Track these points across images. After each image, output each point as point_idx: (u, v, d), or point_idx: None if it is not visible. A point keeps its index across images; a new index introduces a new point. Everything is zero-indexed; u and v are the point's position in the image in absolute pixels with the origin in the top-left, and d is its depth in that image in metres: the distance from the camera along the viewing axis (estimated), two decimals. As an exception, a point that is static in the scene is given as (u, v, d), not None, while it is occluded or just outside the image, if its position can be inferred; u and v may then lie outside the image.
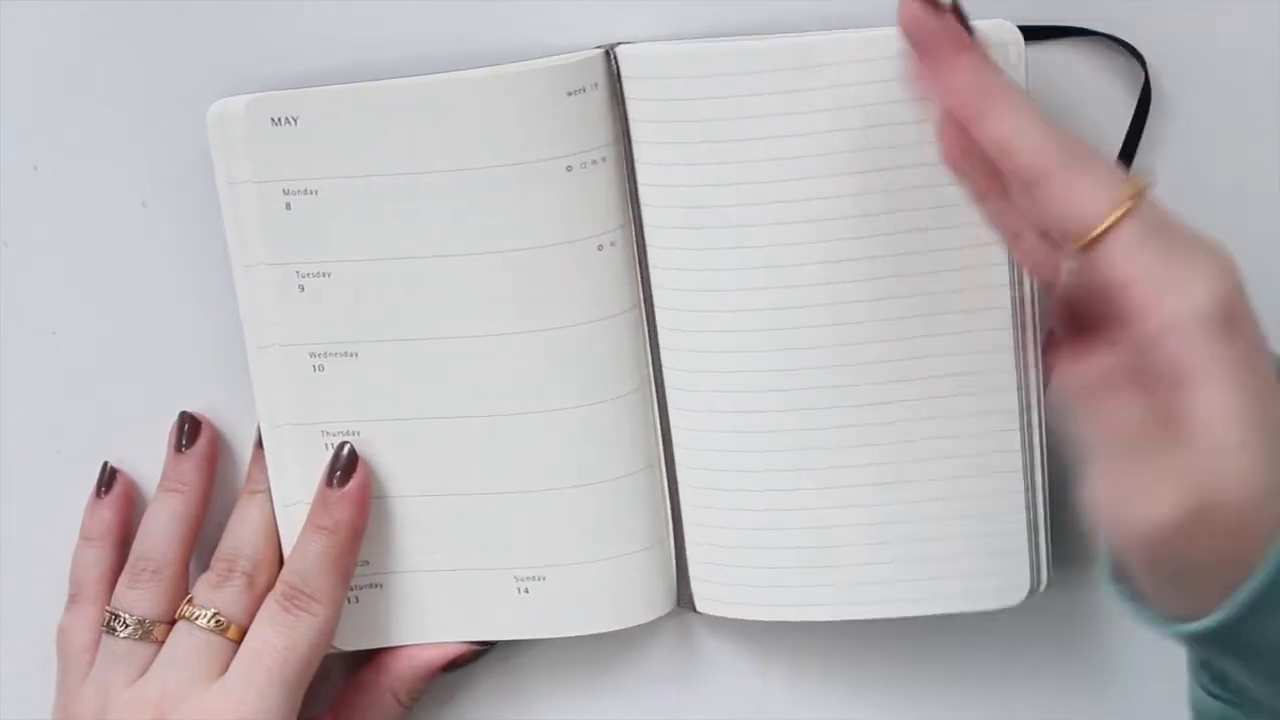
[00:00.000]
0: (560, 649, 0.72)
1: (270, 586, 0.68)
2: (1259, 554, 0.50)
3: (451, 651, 0.70)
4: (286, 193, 0.66)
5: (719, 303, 0.67)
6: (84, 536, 0.70)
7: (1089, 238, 0.52)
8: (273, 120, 0.65)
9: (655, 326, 0.68)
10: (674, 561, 0.70)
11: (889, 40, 0.64)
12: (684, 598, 0.71)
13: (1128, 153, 0.67)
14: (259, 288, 0.67)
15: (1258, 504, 0.50)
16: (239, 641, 0.67)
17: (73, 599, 0.70)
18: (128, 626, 0.67)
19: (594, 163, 0.65)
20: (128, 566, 0.69)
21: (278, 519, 0.69)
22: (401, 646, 0.70)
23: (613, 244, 0.66)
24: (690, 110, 0.65)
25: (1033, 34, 0.65)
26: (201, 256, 0.69)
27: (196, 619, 0.67)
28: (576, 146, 0.65)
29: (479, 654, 0.71)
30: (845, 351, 0.67)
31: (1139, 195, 0.52)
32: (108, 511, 0.70)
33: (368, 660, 0.71)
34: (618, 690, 0.73)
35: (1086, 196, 0.52)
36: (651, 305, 0.68)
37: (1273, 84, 0.67)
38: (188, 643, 0.67)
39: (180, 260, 0.70)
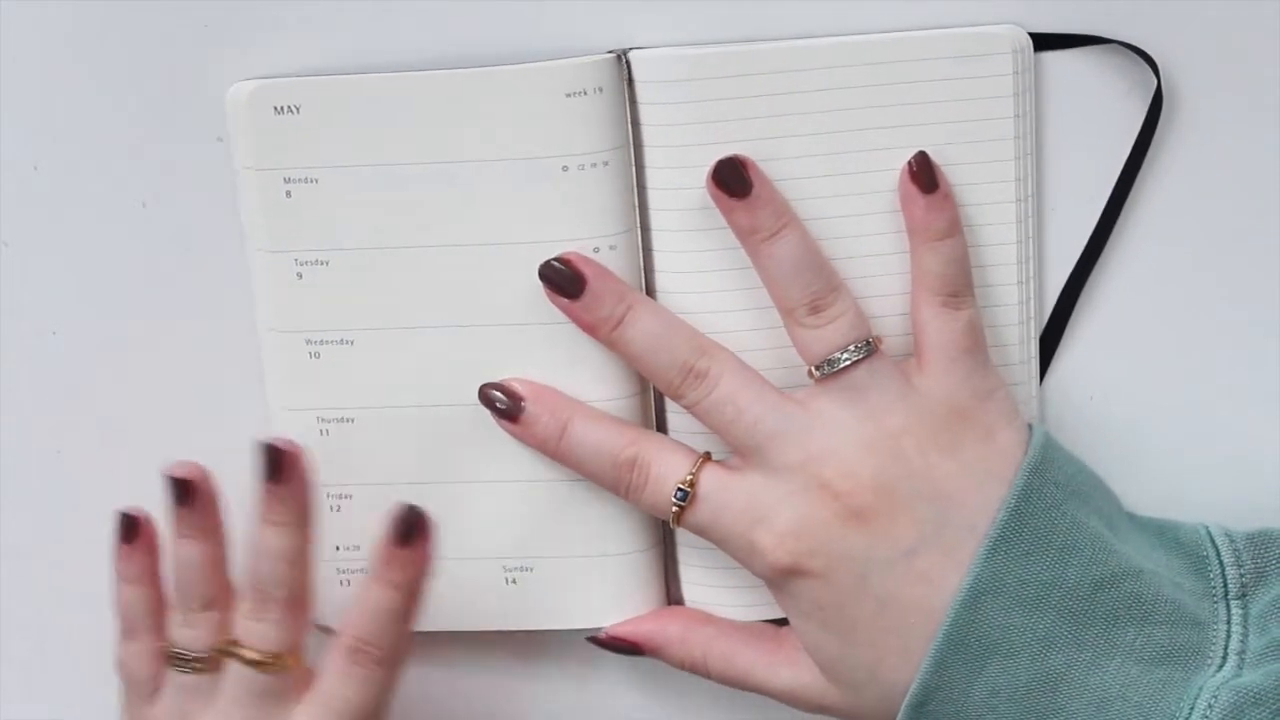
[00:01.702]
0: (546, 645, 0.72)
1: (307, 606, 0.66)
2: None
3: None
4: (287, 181, 0.67)
5: (721, 306, 0.67)
6: (123, 579, 0.68)
7: (671, 518, 0.66)
8: (276, 109, 0.66)
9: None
10: (664, 563, 0.70)
11: (894, 45, 0.64)
12: (674, 599, 0.71)
13: (1138, 159, 0.67)
14: (259, 273, 0.68)
15: (848, 710, 0.65)
16: (296, 667, 0.66)
17: (127, 634, 0.68)
18: (189, 663, 0.66)
19: (594, 165, 0.65)
20: (178, 604, 0.67)
21: None
22: None
23: (612, 248, 0.66)
24: (699, 114, 0.65)
25: (1046, 42, 0.65)
26: (201, 256, 0.69)
27: (249, 659, 0.65)
28: (574, 148, 0.65)
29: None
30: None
31: (678, 502, 0.65)
32: (141, 556, 0.68)
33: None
34: (605, 688, 0.73)
35: (651, 508, 0.66)
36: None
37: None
38: (245, 683, 0.65)
39: (180, 260, 0.70)
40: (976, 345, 0.65)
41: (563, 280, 0.65)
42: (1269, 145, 0.67)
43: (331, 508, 0.69)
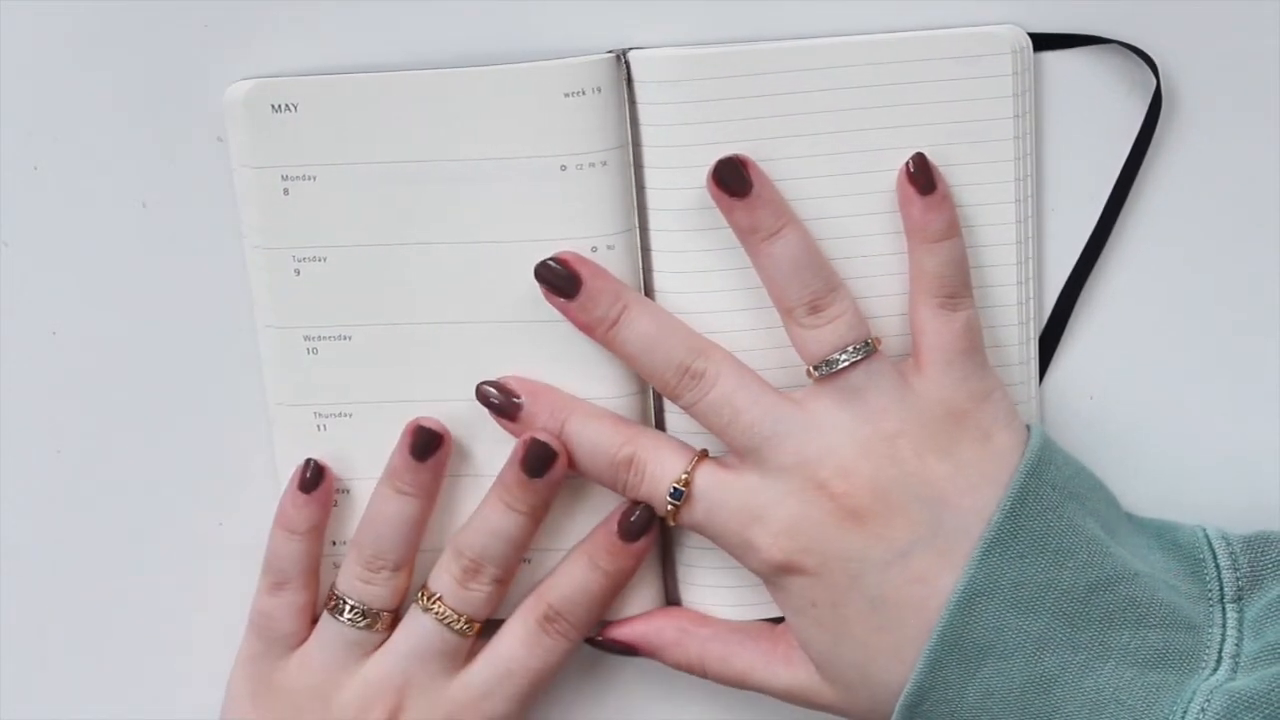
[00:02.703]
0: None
1: (506, 581, 0.68)
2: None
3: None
4: (285, 178, 0.67)
5: (719, 306, 0.67)
6: (286, 529, 0.69)
7: (667, 515, 0.66)
8: (273, 107, 0.66)
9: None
10: (662, 563, 0.70)
11: (893, 45, 0.64)
12: (672, 598, 0.71)
13: (1137, 159, 0.67)
14: (257, 269, 0.68)
15: (840, 708, 0.66)
16: (477, 637, 0.68)
17: (277, 586, 0.69)
18: (357, 613, 0.68)
19: (592, 165, 0.65)
20: (358, 558, 0.68)
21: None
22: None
23: (610, 248, 0.66)
24: (704, 111, 0.65)
25: (1046, 42, 0.65)
26: (201, 256, 0.69)
27: (445, 620, 0.67)
28: (572, 147, 0.65)
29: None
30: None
31: (673, 500, 0.65)
32: (315, 508, 0.69)
33: None
34: (600, 684, 0.73)
35: (650, 503, 0.66)
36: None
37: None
38: (432, 638, 0.67)
39: (180, 260, 0.70)
40: (974, 346, 0.65)
41: (558, 280, 0.65)
42: (1268, 145, 0.67)
43: (335, 502, 0.69)
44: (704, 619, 0.69)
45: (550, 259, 0.65)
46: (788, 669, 0.67)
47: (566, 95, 0.65)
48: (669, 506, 0.65)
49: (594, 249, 0.66)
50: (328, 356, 0.68)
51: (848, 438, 0.63)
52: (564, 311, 0.65)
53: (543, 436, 0.66)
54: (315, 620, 0.69)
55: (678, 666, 0.69)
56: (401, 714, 0.67)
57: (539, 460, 0.66)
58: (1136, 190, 0.67)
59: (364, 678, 0.68)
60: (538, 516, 0.67)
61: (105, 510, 0.72)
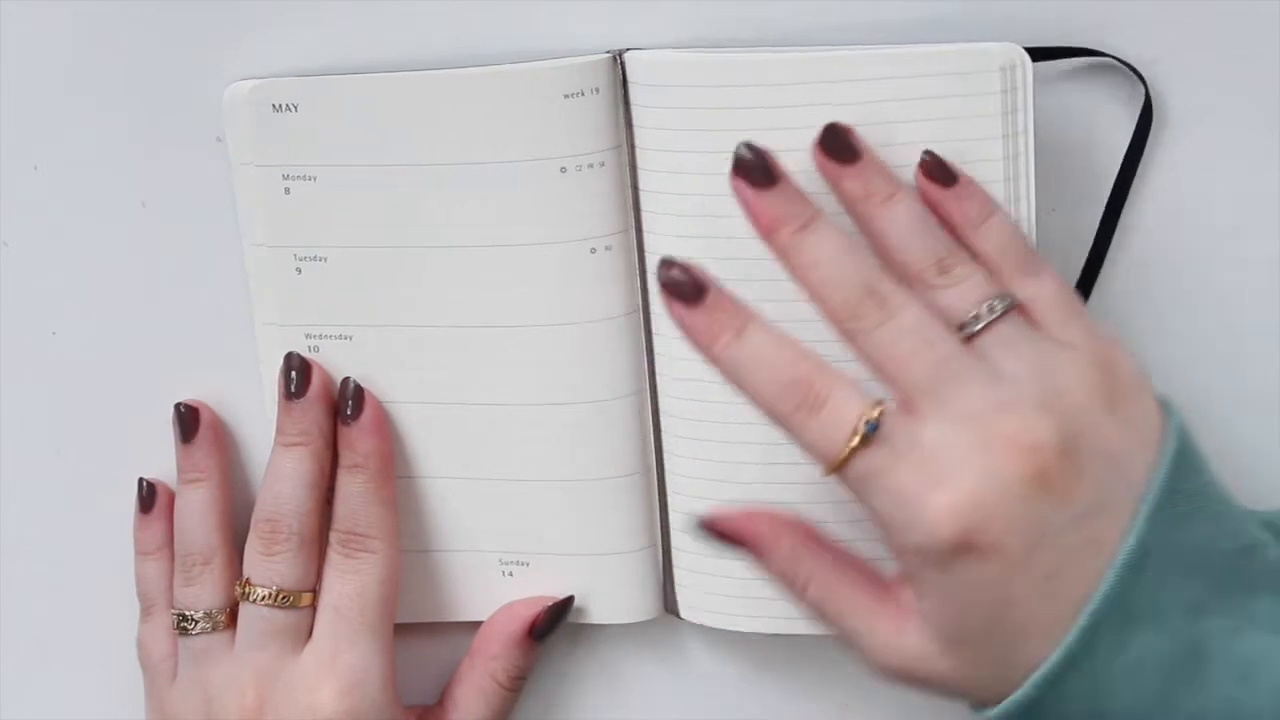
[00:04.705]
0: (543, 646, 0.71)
1: (320, 537, 0.68)
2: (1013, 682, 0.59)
3: (524, 616, 0.69)
4: (286, 177, 0.67)
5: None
6: (141, 552, 0.70)
7: (828, 471, 0.59)
8: (274, 106, 0.66)
9: (652, 333, 0.68)
10: (661, 567, 0.70)
11: (889, 60, 0.64)
12: (669, 603, 0.71)
13: (1128, 172, 0.67)
14: (258, 267, 0.68)
15: (950, 684, 0.60)
16: (312, 606, 0.67)
17: (146, 612, 0.70)
18: (197, 623, 0.68)
19: (590, 166, 0.65)
20: (177, 566, 0.69)
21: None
22: (485, 623, 0.70)
23: (608, 249, 0.66)
24: (695, 119, 0.65)
25: (1033, 55, 0.65)
26: (201, 256, 0.69)
27: (260, 600, 0.67)
28: (572, 149, 0.65)
29: (560, 613, 0.69)
30: (846, 367, 0.66)
31: (863, 436, 0.58)
32: (158, 524, 0.70)
33: (465, 653, 0.71)
34: (599, 689, 0.73)
35: (815, 441, 0.59)
36: (649, 311, 0.68)
37: (1274, 104, 0.66)
38: (260, 625, 0.67)
39: (180, 260, 0.70)
40: (1078, 304, 0.62)
41: (754, 168, 0.61)
42: (1258, 158, 0.67)
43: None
44: (821, 538, 0.63)
45: (746, 145, 0.61)
46: (894, 626, 0.61)
47: (566, 96, 0.65)
48: (850, 445, 0.58)
49: (594, 250, 0.66)
50: (329, 356, 0.68)
51: (1024, 390, 0.58)
52: (750, 205, 0.61)
53: (301, 353, 0.67)
54: None
55: (778, 576, 0.62)
56: (265, 704, 0.67)
57: (298, 375, 0.67)
58: (1128, 203, 0.67)
59: (221, 685, 0.67)
60: (315, 445, 0.67)
61: (105, 510, 0.72)
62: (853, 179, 0.62)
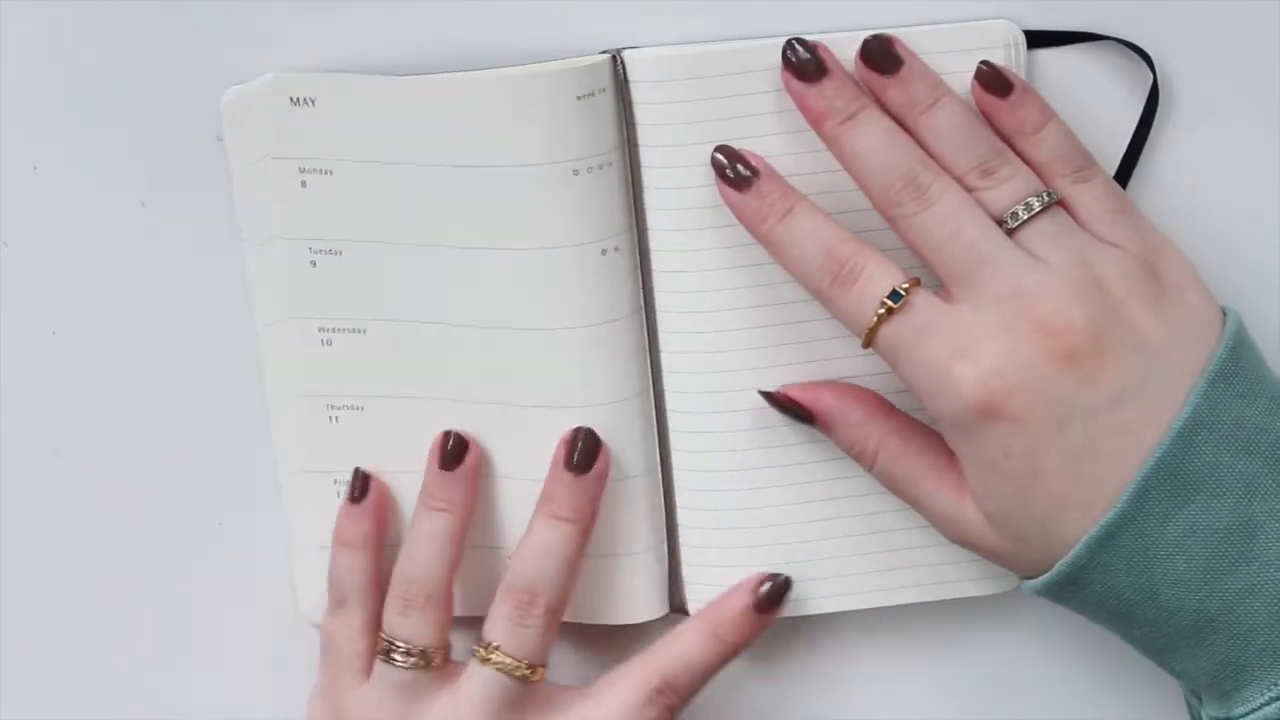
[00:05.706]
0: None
1: (559, 609, 0.66)
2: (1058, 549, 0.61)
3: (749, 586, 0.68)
4: (303, 171, 0.67)
5: (720, 306, 0.67)
6: (342, 543, 0.68)
7: (863, 343, 0.62)
8: (292, 100, 0.66)
9: (655, 332, 0.68)
10: (667, 566, 0.70)
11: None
12: (676, 601, 0.71)
13: (1133, 155, 0.67)
14: (272, 262, 0.68)
15: (1001, 555, 0.63)
16: (540, 680, 0.66)
17: (338, 604, 0.68)
18: (410, 657, 0.66)
19: (599, 167, 0.65)
20: (397, 592, 0.67)
21: (282, 488, 0.70)
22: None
23: (616, 249, 0.66)
24: (696, 113, 0.65)
25: (1043, 39, 0.66)
26: (201, 256, 0.69)
27: (506, 668, 0.66)
28: (583, 151, 0.65)
29: (783, 589, 0.68)
30: (849, 363, 0.67)
31: (889, 307, 0.61)
32: (366, 520, 0.68)
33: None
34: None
35: (848, 311, 0.62)
36: (653, 310, 0.68)
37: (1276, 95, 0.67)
38: (494, 690, 0.66)
39: (180, 260, 0.70)
40: (1128, 203, 0.63)
41: (802, 63, 0.63)
42: (1264, 141, 0.68)
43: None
44: (890, 408, 0.66)
45: (797, 42, 0.64)
46: (954, 497, 0.64)
47: (579, 98, 0.65)
48: (880, 312, 0.61)
49: (603, 251, 0.66)
50: (342, 348, 0.68)
51: (1062, 276, 0.61)
52: (800, 96, 0.63)
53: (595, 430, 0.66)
54: None
55: (848, 447, 0.66)
56: None
57: (585, 455, 0.66)
58: (1133, 187, 0.68)
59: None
60: (586, 524, 0.66)
61: (105, 510, 0.72)
62: (896, 88, 0.63)
